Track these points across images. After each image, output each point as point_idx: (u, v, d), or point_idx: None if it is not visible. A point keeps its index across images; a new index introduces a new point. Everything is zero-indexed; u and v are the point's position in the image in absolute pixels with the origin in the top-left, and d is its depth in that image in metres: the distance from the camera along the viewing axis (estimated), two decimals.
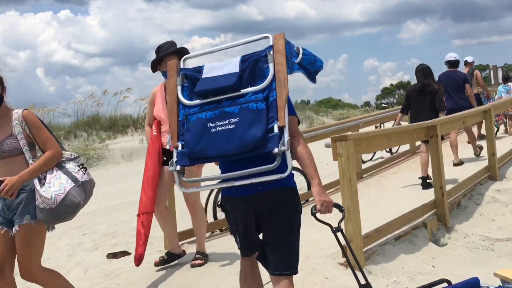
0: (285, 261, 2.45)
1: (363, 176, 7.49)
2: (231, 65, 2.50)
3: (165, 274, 4.13)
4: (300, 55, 2.47)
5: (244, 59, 2.48)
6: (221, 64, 2.53)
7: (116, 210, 7.80)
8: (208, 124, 2.41)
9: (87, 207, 8.54)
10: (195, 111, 2.47)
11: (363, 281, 2.39)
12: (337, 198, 3.64)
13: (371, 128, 8.54)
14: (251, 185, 2.39)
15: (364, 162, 8.67)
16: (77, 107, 20.96)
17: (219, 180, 2.50)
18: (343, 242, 2.46)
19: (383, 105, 22.05)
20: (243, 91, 2.40)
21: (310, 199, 6.45)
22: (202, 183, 2.72)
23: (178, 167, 2.48)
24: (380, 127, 9.08)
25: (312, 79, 2.60)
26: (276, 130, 2.29)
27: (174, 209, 4.64)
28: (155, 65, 4.17)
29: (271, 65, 2.37)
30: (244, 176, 2.35)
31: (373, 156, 8.93)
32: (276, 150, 2.25)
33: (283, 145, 2.25)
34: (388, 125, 9.47)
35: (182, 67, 2.61)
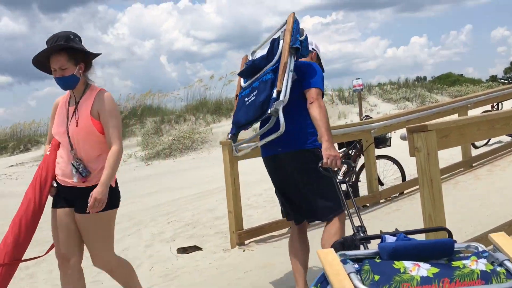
0: (320, 209, 2.89)
1: (473, 165, 6.50)
2: (264, 49, 3.06)
3: (224, 277, 3.89)
4: (303, 36, 2.89)
5: (271, 42, 2.97)
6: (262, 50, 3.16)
7: (208, 196, 7.81)
8: (244, 99, 2.97)
9: (186, 191, 8.76)
10: (241, 91, 3.07)
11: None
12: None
13: (486, 108, 7.42)
14: (272, 147, 2.96)
15: (476, 147, 7.57)
16: (188, 92, 21.92)
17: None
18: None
19: (502, 80, 19.32)
20: (265, 68, 2.88)
21: (406, 191, 5.76)
22: (246, 145, 3.27)
23: (230, 135, 3.19)
24: (498, 108, 7.84)
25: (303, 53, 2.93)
26: (274, 94, 2.71)
27: None
28: (44, 64, 2.92)
29: (281, 42, 2.83)
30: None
31: (488, 141, 7.77)
32: (269, 110, 2.68)
33: (277, 106, 2.66)
34: (509, 105, 8.17)
35: (250, 58, 3.19)
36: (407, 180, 5.74)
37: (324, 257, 1.59)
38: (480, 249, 1.69)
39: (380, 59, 73.10)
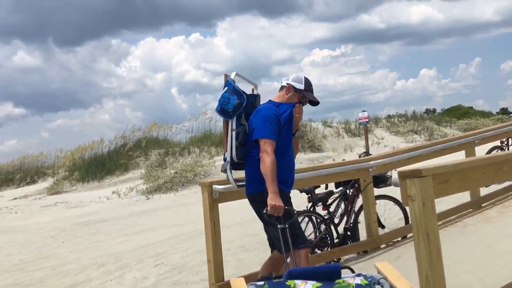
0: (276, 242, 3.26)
1: (482, 205, 6.06)
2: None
3: None
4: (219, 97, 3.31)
5: None
6: None
7: (201, 235, 7.39)
8: None
9: (180, 229, 8.36)
10: None
11: None
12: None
13: (495, 144, 7.02)
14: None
15: (487, 185, 7.12)
16: (193, 124, 21.77)
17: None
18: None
19: None
20: None
21: (408, 235, 5.33)
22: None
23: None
24: (508, 144, 7.43)
25: (225, 116, 3.27)
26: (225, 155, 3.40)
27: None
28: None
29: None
30: None
31: None
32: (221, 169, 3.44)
33: (224, 167, 3.41)
34: None
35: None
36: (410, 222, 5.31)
37: (233, 283, 2.09)
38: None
39: (389, 91, 73.09)
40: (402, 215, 5.30)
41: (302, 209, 4.82)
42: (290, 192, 3.37)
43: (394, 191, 5.47)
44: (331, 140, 17.92)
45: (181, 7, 59.24)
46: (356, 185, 4.97)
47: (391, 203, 5.24)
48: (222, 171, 3.28)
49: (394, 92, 73.37)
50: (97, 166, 21.73)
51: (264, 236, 6.50)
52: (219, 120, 21.20)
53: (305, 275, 1.94)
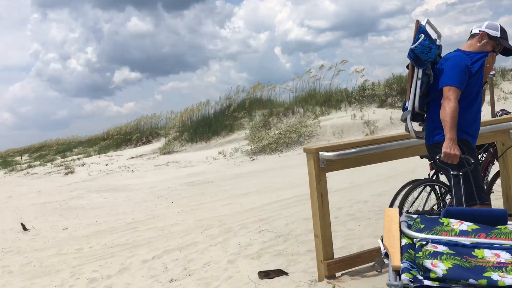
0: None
1: None
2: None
3: None
4: (416, 44, 3.06)
5: None
6: None
7: (307, 200, 7.05)
8: None
9: (285, 192, 8.10)
10: None
11: None
12: None
13: None
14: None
15: None
16: (297, 84, 21.27)
17: None
18: None
19: None
20: None
21: None
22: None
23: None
24: None
25: (419, 64, 3.06)
26: (406, 104, 3.21)
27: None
28: None
29: None
30: None
31: None
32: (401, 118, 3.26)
33: (404, 116, 3.21)
34: None
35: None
36: None
37: (387, 212, 2.02)
38: None
39: None
40: None
41: (423, 178, 4.18)
42: (475, 144, 3.22)
43: None
44: None
45: None
46: (490, 149, 4.17)
47: None
48: (401, 120, 3.18)
49: None
50: (204, 127, 22.39)
51: (377, 204, 5.96)
52: (324, 79, 20.37)
53: (463, 216, 1.88)
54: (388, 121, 14.57)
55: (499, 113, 4.51)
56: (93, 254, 5.87)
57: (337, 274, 3.13)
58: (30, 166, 26.70)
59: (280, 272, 3.79)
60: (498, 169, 4.22)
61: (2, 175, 24.70)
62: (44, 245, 6.83)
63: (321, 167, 3.03)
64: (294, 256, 4.29)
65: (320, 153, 3.03)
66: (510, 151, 4.02)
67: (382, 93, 16.37)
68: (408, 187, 3.98)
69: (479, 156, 4.25)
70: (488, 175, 4.24)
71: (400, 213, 4.20)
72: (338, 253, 4.16)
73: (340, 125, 14.91)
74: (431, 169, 4.21)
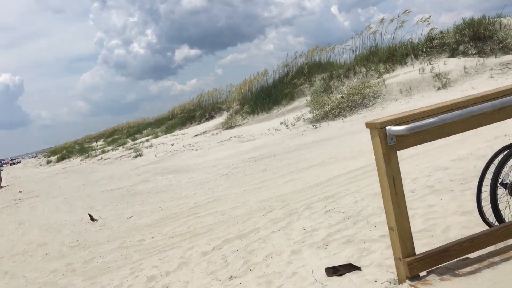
0: None
1: None
2: None
3: None
4: None
5: None
6: None
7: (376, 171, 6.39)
8: None
9: (352, 163, 7.45)
10: None
11: None
12: None
13: None
14: None
15: None
16: (357, 42, 20.03)
17: None
18: None
19: None
20: None
21: None
22: None
23: None
24: None
25: None
26: None
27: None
28: None
29: None
30: None
31: None
32: None
33: None
34: None
35: None
36: None
37: None
38: None
39: None
40: None
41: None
42: None
43: None
44: None
45: None
46: None
47: None
48: None
49: None
50: (264, 98, 21.90)
51: (459, 171, 5.18)
52: (386, 33, 18.99)
53: None
54: (462, 71, 13.20)
55: None
56: (154, 246, 5.65)
57: (422, 274, 2.54)
58: (103, 152, 27.81)
59: (351, 267, 3.24)
60: None
61: (79, 162, 25.91)
62: (108, 237, 6.76)
63: (389, 145, 2.40)
64: (367, 244, 3.71)
65: (388, 127, 2.39)
66: None
67: (452, 41, 14.87)
68: (503, 154, 3.24)
69: None
70: None
71: (496, 184, 3.48)
72: (418, 238, 3.54)
73: (407, 82, 13.76)
74: None
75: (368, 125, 2.53)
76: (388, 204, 2.56)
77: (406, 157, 6.29)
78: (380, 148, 2.49)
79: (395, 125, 2.46)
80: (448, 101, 2.62)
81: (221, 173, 10.09)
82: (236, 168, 10.32)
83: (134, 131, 40.17)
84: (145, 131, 36.92)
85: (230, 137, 17.65)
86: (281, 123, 16.04)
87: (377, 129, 2.47)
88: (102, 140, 44.97)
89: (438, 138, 2.62)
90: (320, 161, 8.38)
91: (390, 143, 2.48)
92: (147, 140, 27.16)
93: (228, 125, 21.91)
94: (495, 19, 14.98)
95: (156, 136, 29.34)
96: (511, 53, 13.62)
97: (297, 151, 10.31)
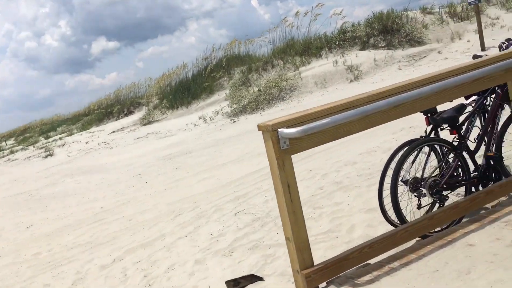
0: None
1: None
2: None
3: None
4: None
5: None
6: None
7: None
8: None
9: (264, 160, 7.27)
10: None
11: None
12: None
13: None
14: None
15: None
16: (274, 35, 20.07)
17: None
18: None
19: None
20: None
21: None
22: None
23: None
24: None
25: None
26: None
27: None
28: None
29: None
30: None
31: None
32: None
33: None
34: None
35: None
36: None
37: None
38: None
39: None
40: None
41: (419, 136, 3.37)
42: None
43: None
44: (433, 29, 15.25)
45: None
46: (499, 90, 3.35)
47: None
48: None
49: None
50: (183, 92, 21.36)
51: (367, 165, 5.19)
52: (302, 26, 19.19)
53: None
54: (373, 63, 13.64)
55: (505, 45, 3.63)
56: (50, 260, 5.13)
57: (321, 285, 2.37)
58: (11, 152, 25.72)
59: (252, 278, 3.04)
60: (509, 114, 3.42)
61: None
62: (2, 251, 6.08)
63: (283, 149, 2.19)
64: (272, 249, 3.53)
65: (280, 130, 2.17)
66: None
67: (363, 34, 15.32)
68: (403, 150, 3.19)
69: (485, 101, 3.44)
70: (497, 124, 3.44)
71: (396, 181, 3.44)
72: (324, 240, 3.43)
73: (322, 74, 13.97)
74: (428, 124, 3.40)
75: (260, 127, 2.31)
76: (284, 213, 2.36)
77: (318, 151, 6.24)
78: (273, 152, 2.28)
79: (287, 127, 2.26)
80: (343, 100, 2.47)
81: (134, 173, 9.58)
82: (151, 167, 9.86)
83: (48, 128, 37.64)
84: (59, 129, 34.78)
85: (148, 134, 17.01)
86: (200, 118, 15.67)
87: (269, 132, 2.26)
88: (12, 139, 41.80)
89: (335, 139, 2.46)
90: (235, 157, 8.18)
91: (283, 147, 2.27)
92: (60, 138, 25.50)
93: (146, 121, 21.12)
94: (402, 13, 15.64)
95: (71, 134, 27.68)
96: (417, 46, 14.29)
97: (214, 146, 10.05)
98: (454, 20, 15.72)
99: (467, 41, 14.09)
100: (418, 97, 2.54)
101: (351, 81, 13.13)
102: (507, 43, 3.52)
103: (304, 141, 2.31)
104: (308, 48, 16.61)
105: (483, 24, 13.81)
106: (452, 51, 13.65)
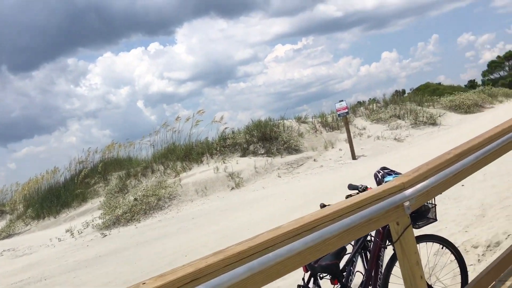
0: None
1: None
2: None
3: None
4: None
5: None
6: None
7: None
8: None
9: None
10: None
11: None
12: None
13: None
14: None
15: None
16: (155, 138, 19.53)
17: None
18: None
19: None
20: None
21: None
22: None
23: None
24: None
25: None
26: None
27: None
28: None
29: None
30: None
31: None
32: None
33: None
34: None
35: None
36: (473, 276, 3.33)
37: None
38: None
39: (355, 77, 72.92)
40: (457, 268, 3.28)
41: (296, 286, 2.81)
42: None
43: (437, 229, 3.53)
44: (308, 137, 15.97)
45: (136, 18, 56.51)
46: (380, 229, 3.00)
47: (437, 246, 3.25)
48: None
49: (359, 78, 73.08)
50: (51, 200, 19.29)
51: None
52: (182, 131, 19.01)
53: None
54: (253, 170, 13.57)
55: (381, 174, 3.35)
56: None
57: None
58: None
59: None
60: (391, 253, 3.04)
61: None
62: None
63: None
64: None
65: None
66: (409, 231, 2.86)
67: (243, 140, 15.46)
68: None
69: (366, 241, 3.05)
70: (381, 265, 3.04)
71: None
72: None
73: (203, 181, 13.49)
74: (305, 271, 2.87)
75: None
76: None
77: None
78: None
79: None
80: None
81: None
82: None
83: None
84: None
85: (3, 251, 14.61)
86: (67, 231, 13.93)
87: None
88: None
89: None
90: (97, 285, 6.95)
91: None
92: None
93: (5, 234, 18.41)
94: (279, 121, 16.25)
95: None
96: (294, 153, 14.68)
97: (75, 271, 8.63)
98: (326, 130, 16.70)
99: (339, 149, 14.86)
100: (288, 256, 1.97)
101: (232, 188, 12.80)
102: (382, 172, 3.25)
103: None
104: (190, 154, 16.24)
105: (352, 134, 14.78)
106: (327, 159, 14.21)
